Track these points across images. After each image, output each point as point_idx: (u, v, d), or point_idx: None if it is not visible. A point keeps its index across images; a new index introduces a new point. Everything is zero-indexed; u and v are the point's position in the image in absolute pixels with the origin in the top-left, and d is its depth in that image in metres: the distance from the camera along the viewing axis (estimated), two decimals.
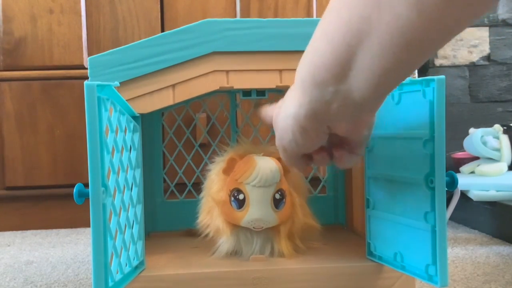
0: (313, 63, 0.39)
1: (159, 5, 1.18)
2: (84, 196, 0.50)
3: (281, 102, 0.48)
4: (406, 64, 0.35)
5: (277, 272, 0.58)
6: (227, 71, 0.59)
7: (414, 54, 0.34)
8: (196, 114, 0.87)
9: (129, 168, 0.57)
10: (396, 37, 0.33)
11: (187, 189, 0.84)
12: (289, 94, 0.46)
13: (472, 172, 1.16)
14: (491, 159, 1.15)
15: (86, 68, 0.85)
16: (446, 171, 0.50)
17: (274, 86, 0.60)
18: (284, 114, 0.45)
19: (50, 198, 1.20)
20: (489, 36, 1.36)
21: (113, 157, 0.51)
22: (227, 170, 0.63)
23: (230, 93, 0.83)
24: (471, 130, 1.20)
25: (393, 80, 0.37)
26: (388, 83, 0.37)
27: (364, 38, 0.34)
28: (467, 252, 0.90)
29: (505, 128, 1.17)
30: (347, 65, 0.36)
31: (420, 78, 0.52)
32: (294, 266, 0.59)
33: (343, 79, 0.37)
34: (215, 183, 0.64)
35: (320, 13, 1.18)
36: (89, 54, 1.17)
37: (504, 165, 1.13)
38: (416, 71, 1.27)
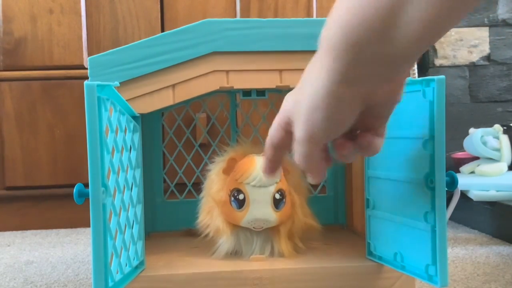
0: (347, 23, 0.36)
1: (159, 5, 1.18)
2: (84, 196, 0.50)
3: (292, 95, 0.44)
4: (454, 12, 0.33)
5: (277, 272, 0.58)
6: (227, 71, 0.59)
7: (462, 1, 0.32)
8: (196, 114, 0.87)
9: (129, 168, 0.57)
10: None
11: (187, 189, 0.84)
12: (310, 70, 0.42)
13: (472, 172, 1.16)
14: (491, 159, 1.15)
15: (86, 68, 0.85)
16: (446, 171, 0.50)
17: (274, 86, 0.60)
18: (310, 92, 0.41)
19: (50, 198, 1.20)
20: (489, 36, 1.36)
21: (113, 157, 0.51)
22: (227, 170, 0.63)
23: (230, 93, 0.83)
24: (471, 130, 1.20)
25: (439, 30, 0.35)
26: (433, 34, 0.35)
27: None
28: (467, 252, 0.90)
29: (505, 128, 1.17)
30: (390, 20, 0.34)
31: (420, 78, 0.52)
32: (294, 266, 0.59)
33: (384, 36, 0.35)
34: (215, 183, 0.64)
35: (320, 13, 1.18)
36: (89, 54, 1.17)
37: (504, 165, 1.13)
38: (416, 71, 1.26)
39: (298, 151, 0.44)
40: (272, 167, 0.48)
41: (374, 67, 0.37)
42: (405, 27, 0.34)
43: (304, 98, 0.42)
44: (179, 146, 0.86)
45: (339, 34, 0.37)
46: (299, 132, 0.43)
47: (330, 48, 0.38)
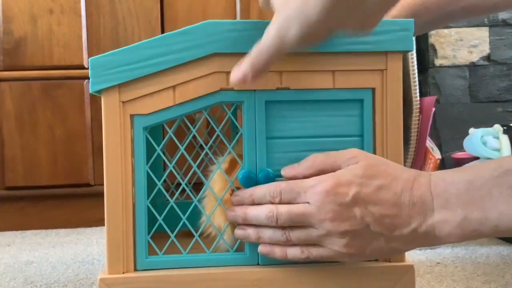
0: None
1: (159, 5, 1.18)
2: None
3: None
4: None
5: (277, 272, 0.58)
6: (228, 73, 0.59)
7: None
8: (196, 115, 0.87)
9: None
10: None
11: (187, 190, 0.84)
12: None
13: None
14: (491, 159, 1.15)
15: (86, 68, 0.85)
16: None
17: (274, 88, 0.60)
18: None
19: (50, 198, 1.20)
20: (489, 36, 1.36)
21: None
22: (229, 170, 0.63)
23: None
24: (471, 130, 1.20)
25: None
26: None
27: None
28: (467, 252, 0.90)
29: (505, 128, 1.17)
30: None
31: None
32: (294, 267, 0.59)
33: None
34: (217, 183, 0.65)
35: None
36: (89, 54, 1.17)
37: None
38: (416, 71, 1.26)
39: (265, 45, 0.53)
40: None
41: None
42: None
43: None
44: (180, 147, 0.85)
45: None
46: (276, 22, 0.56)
47: None
